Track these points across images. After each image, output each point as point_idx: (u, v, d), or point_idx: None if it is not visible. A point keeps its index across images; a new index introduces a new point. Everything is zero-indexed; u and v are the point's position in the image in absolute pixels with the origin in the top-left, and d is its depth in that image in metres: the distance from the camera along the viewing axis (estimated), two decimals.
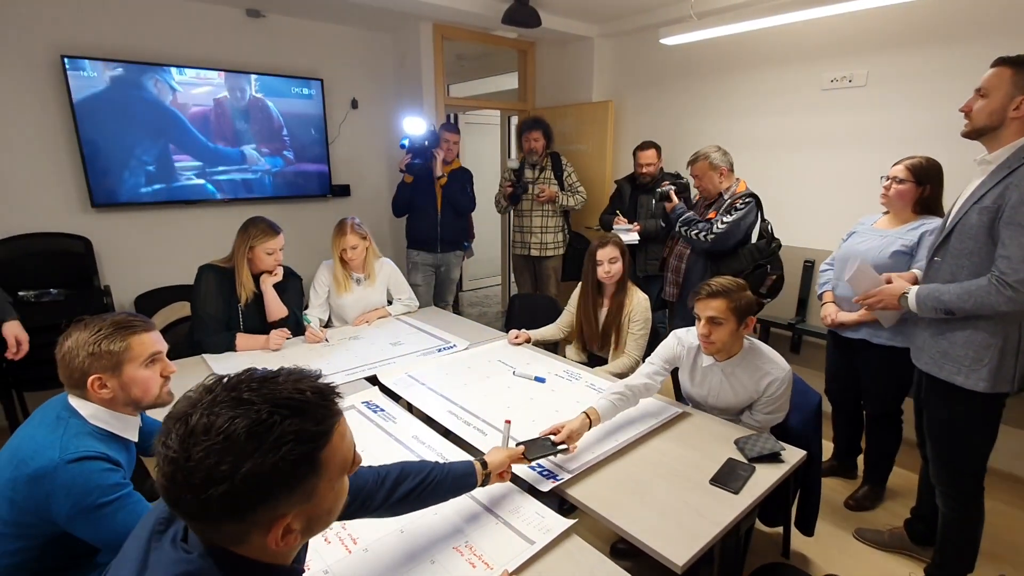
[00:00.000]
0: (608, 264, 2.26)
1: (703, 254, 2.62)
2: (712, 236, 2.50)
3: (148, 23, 3.19)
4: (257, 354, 2.23)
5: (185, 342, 2.28)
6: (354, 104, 4.07)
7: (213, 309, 2.24)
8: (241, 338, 2.24)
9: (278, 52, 3.67)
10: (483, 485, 1.23)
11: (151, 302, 3.31)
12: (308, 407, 0.63)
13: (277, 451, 0.59)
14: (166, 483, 0.59)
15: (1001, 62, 1.49)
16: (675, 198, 2.72)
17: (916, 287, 1.64)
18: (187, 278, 3.45)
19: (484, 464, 1.23)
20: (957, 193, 1.68)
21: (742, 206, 2.49)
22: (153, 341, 1.24)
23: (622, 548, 1.89)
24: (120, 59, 3.07)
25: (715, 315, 1.64)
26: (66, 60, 2.91)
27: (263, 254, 2.25)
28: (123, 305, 3.31)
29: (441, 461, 1.46)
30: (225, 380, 0.64)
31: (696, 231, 2.56)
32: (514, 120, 5.12)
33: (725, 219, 2.48)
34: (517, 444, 1.37)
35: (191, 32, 3.33)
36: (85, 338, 1.14)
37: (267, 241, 2.25)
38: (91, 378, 1.13)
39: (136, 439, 1.25)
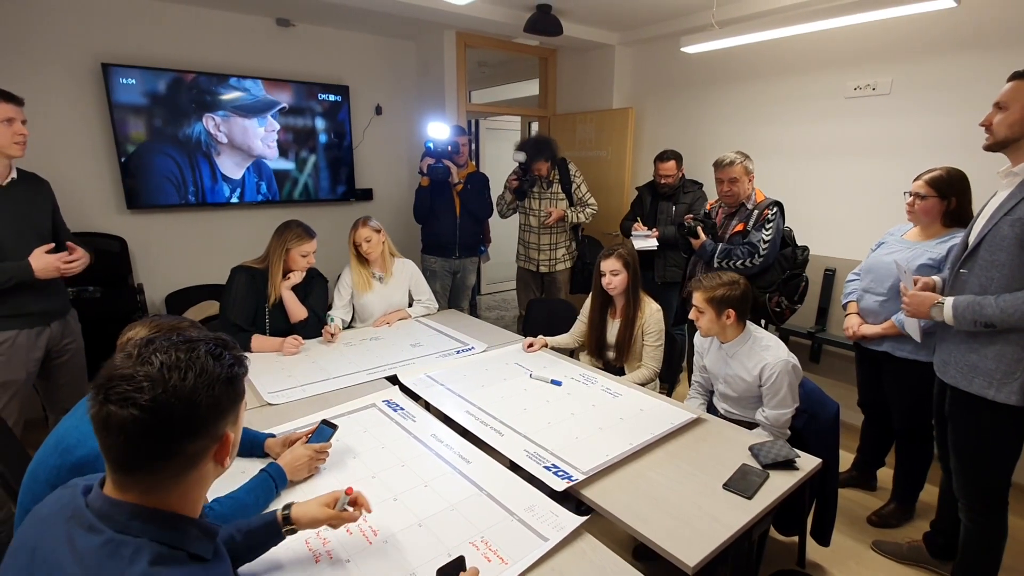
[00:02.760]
0: (610, 275, 2.28)
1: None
2: (760, 259, 2.46)
3: (184, 33, 3.32)
4: (275, 355, 2.29)
5: None
6: (378, 110, 4.16)
7: (238, 310, 2.32)
8: (256, 339, 2.32)
9: (306, 60, 3.78)
10: (289, 533, 1.08)
11: (181, 301, 3.43)
12: (234, 345, 0.80)
13: (230, 367, 0.76)
14: (143, 420, 0.66)
15: (1017, 76, 1.50)
16: (702, 235, 2.62)
17: (952, 298, 1.59)
18: (215, 278, 3.60)
19: (288, 518, 1.08)
20: (983, 202, 1.67)
21: (772, 217, 2.47)
22: None
23: (642, 552, 1.91)
24: (156, 67, 3.20)
25: (696, 304, 1.90)
26: (105, 68, 3.04)
27: (298, 256, 2.36)
28: (154, 303, 3.43)
29: (459, 459, 1.51)
30: (157, 336, 0.75)
31: (739, 260, 2.48)
32: (535, 127, 5.16)
33: (764, 237, 2.44)
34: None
35: (224, 41, 3.46)
36: (143, 332, 1.18)
37: (302, 244, 2.35)
38: None
39: None
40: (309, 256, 2.40)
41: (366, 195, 4.21)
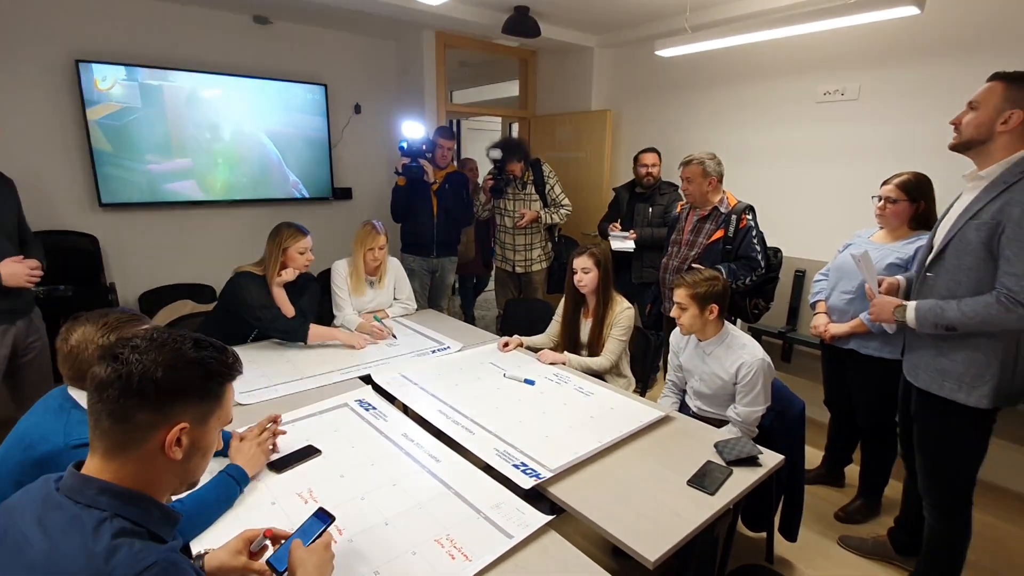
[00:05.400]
0: (581, 273, 2.30)
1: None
2: (761, 271, 2.50)
3: (159, 30, 3.28)
4: (265, 352, 2.28)
5: None
6: (357, 109, 4.15)
7: (265, 301, 2.30)
8: (315, 329, 2.34)
9: (284, 58, 3.75)
10: None
11: (154, 300, 3.38)
12: (225, 350, 0.85)
13: (207, 355, 0.81)
14: (112, 374, 0.74)
15: (995, 77, 1.50)
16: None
17: (915, 302, 1.62)
18: (189, 277, 3.55)
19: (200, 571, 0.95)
20: (946, 206, 1.70)
21: (752, 224, 2.52)
22: None
23: (619, 550, 1.93)
24: (131, 63, 3.15)
25: (679, 301, 1.91)
26: (80, 64, 2.99)
27: (296, 254, 2.36)
28: (127, 301, 3.38)
29: (429, 458, 1.51)
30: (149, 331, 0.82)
31: (745, 278, 2.49)
32: (515, 128, 5.18)
33: (756, 248, 2.49)
34: None
35: (200, 38, 3.42)
36: (92, 332, 1.18)
37: (298, 241, 2.35)
38: None
39: None
40: (307, 253, 2.39)
41: (345, 194, 4.19)
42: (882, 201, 2.09)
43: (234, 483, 1.29)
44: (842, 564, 2.07)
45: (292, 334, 2.32)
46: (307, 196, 3.97)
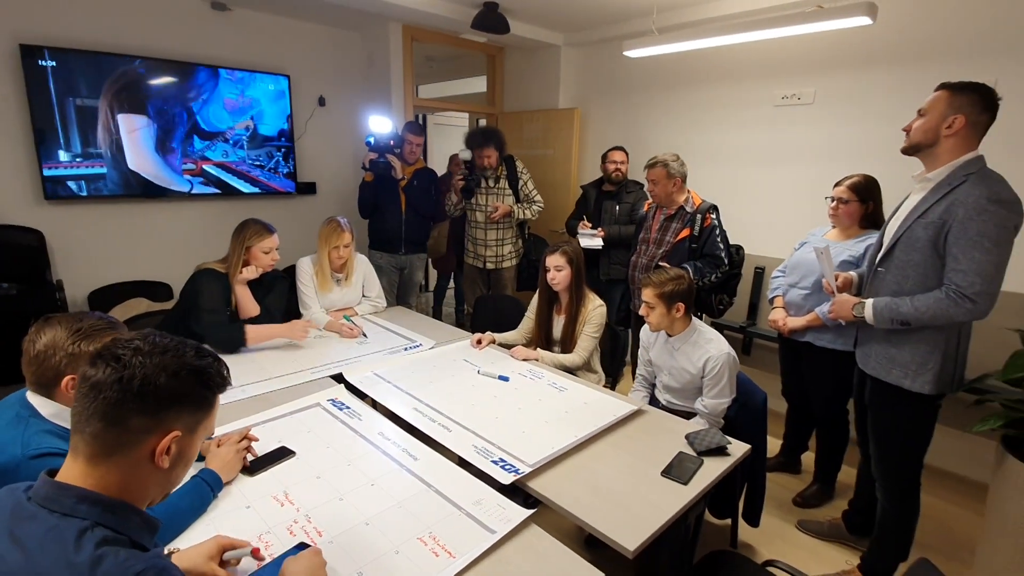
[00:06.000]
0: (554, 271, 2.33)
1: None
2: (725, 267, 2.59)
3: (109, 13, 3.11)
4: (244, 356, 2.21)
5: None
6: (321, 101, 4.05)
7: (217, 305, 2.21)
8: (252, 330, 2.22)
9: (244, 46, 3.62)
10: None
11: (105, 298, 3.22)
12: (220, 359, 0.86)
13: (208, 363, 0.81)
14: (111, 376, 0.72)
15: (942, 86, 1.61)
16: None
17: (872, 300, 1.73)
18: (143, 274, 3.41)
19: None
20: (895, 205, 1.82)
21: (716, 220, 2.60)
22: None
23: (593, 541, 1.97)
24: (80, 49, 2.98)
25: (647, 300, 1.97)
26: (25, 49, 2.81)
27: (260, 253, 2.28)
28: (76, 300, 3.21)
29: (407, 456, 1.51)
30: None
31: (711, 276, 2.57)
32: (483, 124, 5.17)
33: (720, 246, 2.57)
34: None
35: (153, 23, 3.26)
36: (63, 337, 1.12)
37: (263, 240, 2.27)
38: (66, 379, 1.12)
39: None
40: (272, 252, 2.31)
41: (309, 189, 4.09)
42: (835, 202, 2.21)
43: (208, 488, 1.26)
44: (801, 547, 2.18)
45: (227, 344, 2.17)
46: (269, 190, 3.86)
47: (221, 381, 0.83)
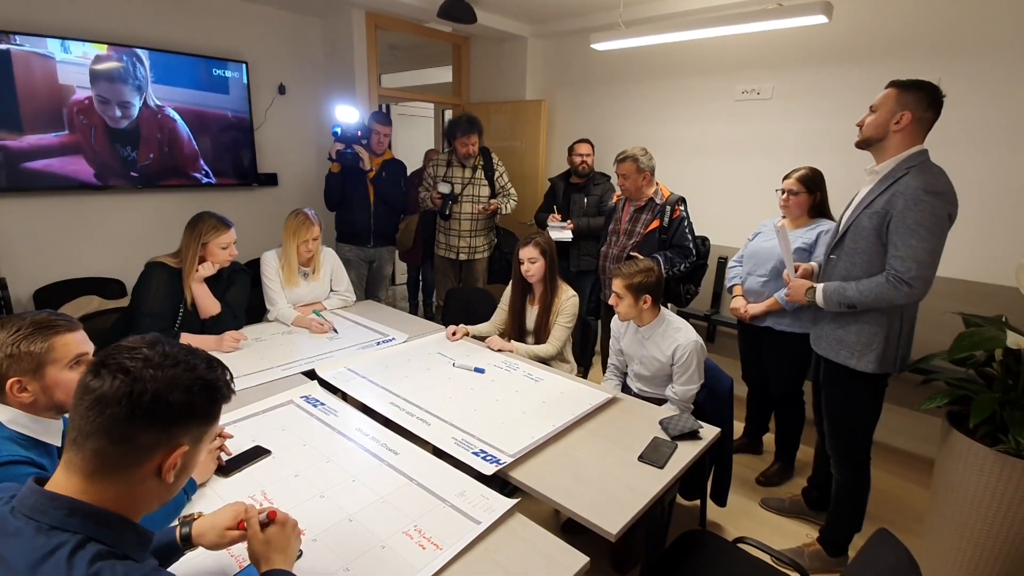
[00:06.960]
0: (528, 263, 2.36)
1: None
2: (693, 258, 2.65)
3: None
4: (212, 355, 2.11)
5: (104, 339, 2.13)
6: (281, 90, 3.92)
7: (159, 308, 2.11)
8: (185, 339, 2.12)
9: (198, 31, 3.46)
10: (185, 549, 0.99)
11: (53, 296, 3.05)
12: (226, 368, 0.84)
13: (218, 376, 0.79)
14: (120, 388, 0.68)
15: (891, 84, 1.71)
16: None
17: (822, 284, 1.84)
18: (93, 270, 3.24)
19: (187, 538, 0.97)
20: (847, 197, 1.92)
21: (684, 212, 2.67)
22: (78, 341, 1.18)
23: (570, 526, 2.01)
24: (11, 31, 2.78)
25: (616, 290, 2.00)
26: None
27: (217, 249, 2.18)
28: (20, 299, 3.02)
29: (387, 451, 1.50)
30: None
31: (680, 265, 2.62)
32: (448, 114, 5.12)
33: (689, 236, 2.64)
34: None
35: (97, 4, 3.07)
36: (3, 339, 1.07)
37: (220, 235, 2.17)
38: (10, 381, 1.07)
39: (59, 443, 1.18)
40: (230, 248, 2.22)
41: (270, 180, 3.97)
42: (785, 194, 2.32)
43: (181, 492, 1.22)
44: (765, 523, 2.29)
45: None
46: (226, 181, 3.71)
47: (228, 392, 0.81)
